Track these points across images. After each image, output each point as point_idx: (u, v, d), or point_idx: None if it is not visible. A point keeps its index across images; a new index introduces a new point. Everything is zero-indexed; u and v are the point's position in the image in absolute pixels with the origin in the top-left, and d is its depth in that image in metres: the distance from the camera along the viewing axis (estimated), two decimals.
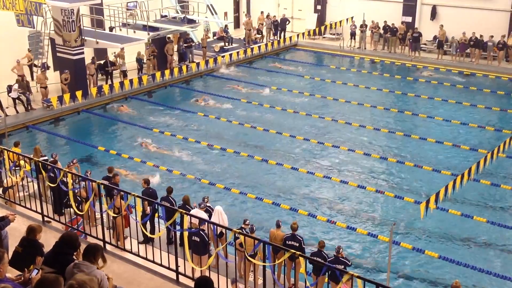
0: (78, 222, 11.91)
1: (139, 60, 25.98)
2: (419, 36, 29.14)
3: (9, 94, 21.35)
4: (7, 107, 21.04)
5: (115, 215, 11.19)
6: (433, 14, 30.28)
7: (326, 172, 17.50)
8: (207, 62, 27.26)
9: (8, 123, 18.99)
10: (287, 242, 11.44)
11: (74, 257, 7.01)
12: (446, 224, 14.85)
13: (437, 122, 21.70)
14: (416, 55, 29.26)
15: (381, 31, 30.47)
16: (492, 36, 27.69)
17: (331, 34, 33.11)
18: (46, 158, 14.67)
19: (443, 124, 21.47)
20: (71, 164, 14.32)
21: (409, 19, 30.75)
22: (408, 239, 14.01)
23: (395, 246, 13.15)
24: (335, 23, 31.81)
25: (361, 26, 30.68)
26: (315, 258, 10.03)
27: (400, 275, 12.77)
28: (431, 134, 20.34)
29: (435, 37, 29.70)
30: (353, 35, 31.08)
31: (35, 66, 23.95)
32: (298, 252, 8.87)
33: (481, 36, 27.85)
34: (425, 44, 29.96)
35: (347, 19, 31.36)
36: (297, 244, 11.28)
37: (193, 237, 10.88)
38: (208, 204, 12.60)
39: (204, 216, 11.64)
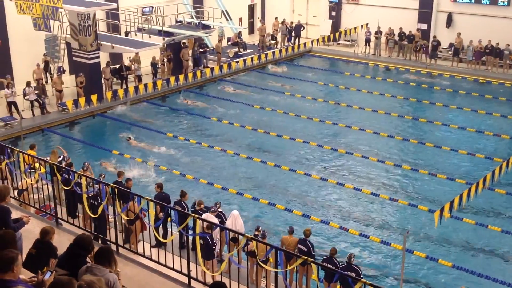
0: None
1: (153, 65, 26.15)
2: (437, 44, 29.03)
3: (25, 97, 21.55)
4: (23, 110, 21.25)
5: (128, 219, 11.21)
6: (449, 22, 30.12)
7: (339, 179, 17.43)
8: (221, 68, 27.35)
9: (24, 126, 19.17)
10: (298, 245, 11.43)
11: (88, 259, 7.04)
12: (460, 233, 14.71)
13: (452, 130, 21.55)
14: (432, 62, 29.12)
15: (396, 38, 30.38)
16: (508, 44, 27.49)
17: (345, 40, 33.05)
18: (61, 159, 14.81)
19: (458, 132, 21.32)
20: (85, 168, 14.37)
21: (424, 26, 30.63)
22: (421, 248, 13.89)
23: (408, 254, 13.04)
24: (350, 30, 31.76)
25: (376, 32, 30.61)
26: (326, 264, 10.00)
27: (413, 283, 12.65)
28: (446, 142, 20.20)
29: (450, 45, 29.53)
30: (367, 41, 31.01)
31: (49, 72, 24.17)
32: (311, 259, 8.85)
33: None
34: (440, 51, 29.79)
35: (361, 26, 31.29)
36: (306, 250, 11.26)
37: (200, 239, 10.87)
38: (220, 210, 12.59)
39: (215, 221, 11.64)
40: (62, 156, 15.18)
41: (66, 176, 11.94)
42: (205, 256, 10.74)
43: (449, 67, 28.89)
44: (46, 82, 23.39)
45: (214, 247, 10.88)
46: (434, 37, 29.42)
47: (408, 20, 30.64)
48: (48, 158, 13.92)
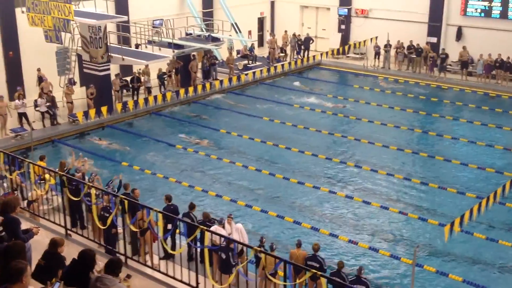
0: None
1: (160, 77, 26.30)
2: (446, 57, 29.01)
3: (36, 108, 21.75)
4: (33, 121, 21.40)
5: (137, 230, 11.21)
6: (459, 35, 30.09)
7: (348, 192, 17.36)
8: (230, 80, 27.46)
9: (34, 137, 19.28)
10: (307, 262, 11.34)
11: (96, 272, 7.03)
12: (471, 247, 14.58)
13: (462, 143, 21.45)
14: (442, 75, 29.08)
15: (406, 51, 30.37)
16: None
17: (355, 53, 33.09)
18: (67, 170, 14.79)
19: (468, 146, 21.20)
20: (92, 179, 14.35)
21: (434, 39, 30.61)
22: (431, 262, 13.76)
23: (418, 269, 12.90)
24: (359, 43, 31.81)
25: (385, 46, 30.63)
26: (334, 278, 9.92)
27: None
28: (455, 156, 20.08)
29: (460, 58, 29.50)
30: (377, 54, 31.03)
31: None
32: (320, 272, 8.79)
33: (508, 58, 27.57)
34: (450, 65, 29.73)
35: (371, 39, 31.35)
36: (318, 265, 11.16)
37: (220, 253, 10.83)
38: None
39: (224, 233, 11.61)
40: (68, 168, 15.07)
41: (73, 187, 11.94)
42: (225, 270, 10.70)
43: (458, 80, 28.82)
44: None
45: (234, 263, 10.77)
46: (443, 49, 29.42)
47: (418, 33, 30.63)
48: (57, 170, 13.95)
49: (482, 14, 29.25)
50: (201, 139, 21.66)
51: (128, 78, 25.59)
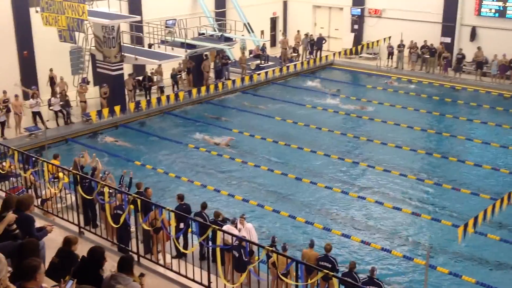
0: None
1: (173, 76, 26.39)
2: (462, 57, 28.80)
3: (50, 108, 21.92)
4: (47, 120, 21.57)
5: (151, 228, 11.26)
6: (473, 36, 29.85)
7: (360, 192, 17.29)
8: (242, 80, 27.47)
9: (48, 136, 19.45)
10: (319, 263, 11.31)
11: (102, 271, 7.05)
12: (484, 249, 14.45)
13: (476, 144, 21.27)
14: (457, 76, 28.86)
15: (419, 51, 30.19)
16: None
17: (368, 53, 32.94)
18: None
19: (482, 147, 21.01)
20: (104, 178, 14.41)
21: (448, 40, 30.39)
22: (444, 263, 13.67)
23: (431, 270, 12.81)
24: (372, 43, 31.67)
25: (399, 46, 30.47)
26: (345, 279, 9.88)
27: None
28: (469, 157, 19.94)
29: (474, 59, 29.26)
30: (390, 54, 30.87)
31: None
32: (332, 273, 8.76)
33: None
34: (464, 65, 29.49)
35: (384, 39, 31.20)
36: (330, 265, 11.13)
37: (233, 252, 10.85)
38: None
39: (236, 233, 11.61)
40: (80, 166, 15.14)
41: (85, 185, 12.02)
42: (239, 269, 10.71)
43: (472, 81, 28.59)
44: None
45: (247, 259, 10.79)
46: (460, 49, 29.20)
47: (432, 33, 30.41)
48: (71, 168, 14.04)
49: (497, 15, 28.97)
50: (213, 139, 21.63)
51: (140, 78, 25.69)
